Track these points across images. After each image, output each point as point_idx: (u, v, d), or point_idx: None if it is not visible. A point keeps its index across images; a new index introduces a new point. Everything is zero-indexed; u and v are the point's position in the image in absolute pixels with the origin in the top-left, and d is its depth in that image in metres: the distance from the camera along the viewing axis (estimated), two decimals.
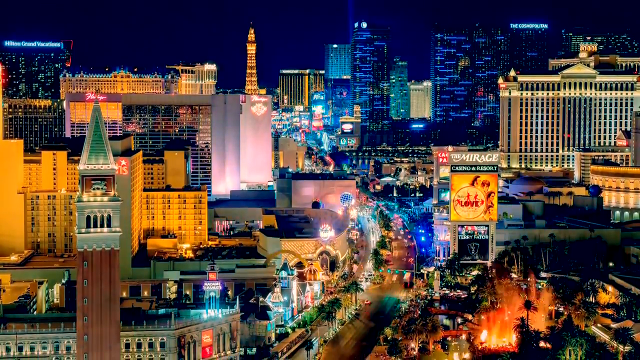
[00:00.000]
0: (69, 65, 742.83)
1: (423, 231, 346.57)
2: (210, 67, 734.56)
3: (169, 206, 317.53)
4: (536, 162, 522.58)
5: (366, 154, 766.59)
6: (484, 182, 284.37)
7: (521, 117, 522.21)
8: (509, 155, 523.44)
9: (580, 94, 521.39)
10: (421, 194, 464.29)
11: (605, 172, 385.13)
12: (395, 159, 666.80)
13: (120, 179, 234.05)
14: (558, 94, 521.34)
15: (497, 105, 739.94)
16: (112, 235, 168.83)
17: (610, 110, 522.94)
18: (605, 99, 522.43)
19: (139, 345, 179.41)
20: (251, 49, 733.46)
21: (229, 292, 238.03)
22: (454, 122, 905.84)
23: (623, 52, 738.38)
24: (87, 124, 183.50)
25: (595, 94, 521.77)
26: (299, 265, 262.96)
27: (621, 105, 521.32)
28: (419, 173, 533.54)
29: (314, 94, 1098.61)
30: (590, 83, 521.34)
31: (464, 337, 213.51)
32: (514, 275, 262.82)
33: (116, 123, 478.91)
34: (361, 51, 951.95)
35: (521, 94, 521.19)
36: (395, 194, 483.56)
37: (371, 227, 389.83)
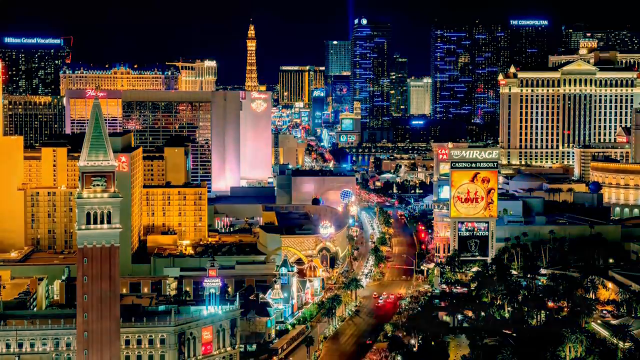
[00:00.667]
0: (69, 61, 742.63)
1: (423, 228, 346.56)
2: (210, 63, 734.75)
3: (169, 203, 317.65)
4: (536, 159, 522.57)
5: (366, 151, 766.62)
6: (484, 179, 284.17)
7: (521, 113, 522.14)
8: (509, 152, 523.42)
9: (580, 90, 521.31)
10: (421, 191, 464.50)
11: (605, 168, 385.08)
12: (395, 155, 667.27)
13: (120, 176, 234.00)
14: (558, 90, 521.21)
15: (497, 101, 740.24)
16: (112, 231, 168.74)
17: (610, 106, 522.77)
18: (605, 96, 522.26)
19: (139, 342, 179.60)
20: (251, 45, 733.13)
21: (229, 289, 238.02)
22: (454, 119, 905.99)
23: (623, 48, 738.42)
24: (87, 120, 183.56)
25: (595, 90, 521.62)
26: (299, 261, 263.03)
27: (621, 101, 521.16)
28: (419, 170, 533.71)
29: (314, 91, 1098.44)
30: (590, 80, 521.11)
31: (463, 333, 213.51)
32: (514, 272, 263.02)
33: (116, 119, 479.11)
34: (361, 48, 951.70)
35: (521, 90, 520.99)
36: (395, 191, 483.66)
37: (371, 223, 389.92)
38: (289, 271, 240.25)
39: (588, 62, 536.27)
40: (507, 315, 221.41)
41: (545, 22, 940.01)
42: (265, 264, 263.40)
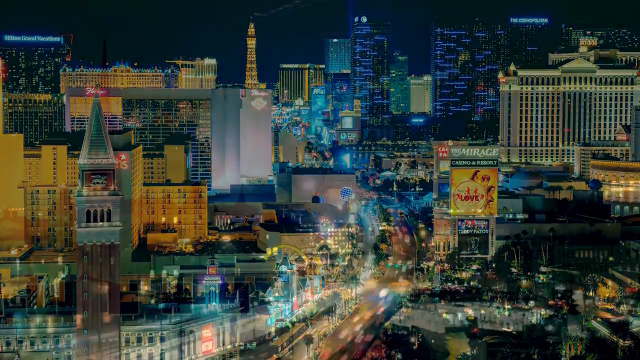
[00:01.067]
0: (69, 59, 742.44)
1: (423, 225, 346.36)
2: (210, 61, 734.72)
3: (169, 200, 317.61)
4: (536, 157, 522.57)
5: (366, 149, 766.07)
6: (484, 177, 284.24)
7: (521, 111, 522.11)
8: (509, 150, 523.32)
9: (580, 88, 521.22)
10: (421, 189, 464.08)
11: (605, 166, 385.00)
12: (395, 153, 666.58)
13: (121, 174, 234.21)
14: (558, 88, 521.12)
15: (497, 99, 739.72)
16: (112, 229, 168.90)
17: (610, 104, 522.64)
18: (605, 94, 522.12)
19: (139, 340, 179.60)
20: (251, 43, 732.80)
21: (229, 287, 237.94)
22: (454, 117, 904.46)
23: (623, 46, 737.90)
24: (87, 118, 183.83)
25: (595, 88, 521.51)
26: (299, 259, 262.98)
27: (621, 99, 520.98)
28: (419, 167, 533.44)
29: (314, 89, 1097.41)
30: (590, 77, 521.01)
31: (463, 331, 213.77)
32: (513, 270, 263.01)
33: (116, 117, 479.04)
34: (361, 45, 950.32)
35: (521, 88, 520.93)
36: (395, 189, 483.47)
37: (371, 221, 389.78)
38: (289, 269, 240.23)
39: (588, 60, 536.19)
40: (507, 313, 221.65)
41: (545, 20, 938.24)
42: (265, 261, 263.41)
